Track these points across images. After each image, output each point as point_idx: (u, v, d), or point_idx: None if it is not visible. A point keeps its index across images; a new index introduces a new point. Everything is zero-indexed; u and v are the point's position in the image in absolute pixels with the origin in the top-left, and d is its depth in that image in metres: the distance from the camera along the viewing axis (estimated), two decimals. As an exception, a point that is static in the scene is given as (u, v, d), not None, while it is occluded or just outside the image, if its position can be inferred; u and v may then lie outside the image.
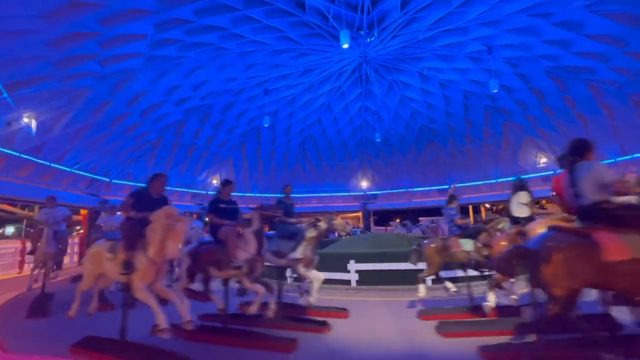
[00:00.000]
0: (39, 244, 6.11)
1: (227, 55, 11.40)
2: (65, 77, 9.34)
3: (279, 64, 12.62)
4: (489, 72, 11.92)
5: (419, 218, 20.61)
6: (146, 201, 3.63)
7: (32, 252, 6.44)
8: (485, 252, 4.74)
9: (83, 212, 15.53)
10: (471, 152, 18.07)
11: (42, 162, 11.51)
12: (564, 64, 11.11)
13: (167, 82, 11.81)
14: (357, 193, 21.42)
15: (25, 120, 9.60)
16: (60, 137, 11.36)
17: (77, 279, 4.27)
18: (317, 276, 4.66)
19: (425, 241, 5.61)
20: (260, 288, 3.97)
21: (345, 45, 9.59)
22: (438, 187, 20.12)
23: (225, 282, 4.23)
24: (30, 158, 11.05)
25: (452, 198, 5.54)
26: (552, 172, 15.92)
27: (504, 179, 17.69)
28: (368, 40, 11.17)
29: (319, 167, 20.73)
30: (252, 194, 20.66)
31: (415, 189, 20.62)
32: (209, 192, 19.17)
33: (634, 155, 12.81)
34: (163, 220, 3.20)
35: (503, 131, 16.19)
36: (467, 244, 4.95)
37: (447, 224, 5.39)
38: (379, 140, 17.14)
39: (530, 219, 4.28)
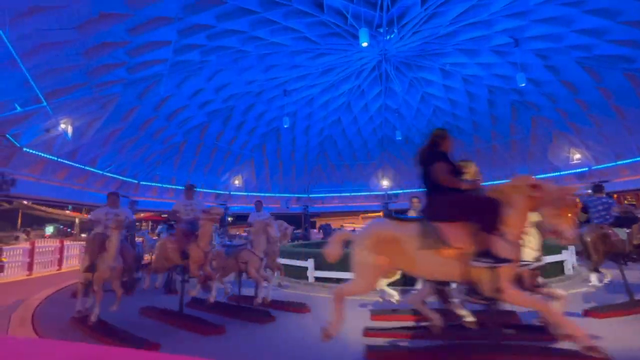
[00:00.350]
0: (100, 254, 4.51)
1: (247, 58, 11.61)
2: (96, 85, 9.85)
3: (298, 65, 12.70)
4: (516, 65, 11.43)
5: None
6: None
7: (90, 269, 4.52)
8: (636, 241, 4.65)
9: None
10: (497, 148, 17.39)
11: (77, 165, 12.20)
12: (598, 53, 10.45)
13: (190, 86, 12.18)
14: (378, 192, 21.18)
15: (62, 126, 10.22)
16: (92, 142, 12.00)
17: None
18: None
19: (582, 229, 5.34)
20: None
21: (365, 44, 9.49)
22: (462, 186, 19.51)
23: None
24: (66, 162, 11.74)
25: (600, 187, 5.50)
26: (587, 168, 15.04)
27: (534, 176, 16.90)
28: (388, 37, 11.01)
29: (339, 166, 20.67)
30: (273, 194, 20.93)
31: (438, 188, 20.12)
32: (231, 193, 19.60)
33: (680, 150, 11.85)
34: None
35: (532, 126, 15.47)
36: (622, 233, 4.85)
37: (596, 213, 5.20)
38: (400, 138, 16.86)
39: None
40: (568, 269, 7.57)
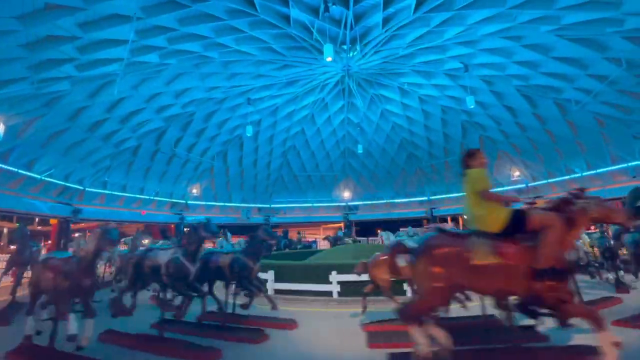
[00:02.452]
0: None
1: (210, 64, 11.38)
2: (38, 81, 9.02)
3: (263, 74, 12.70)
4: (466, 88, 12.49)
5: (400, 229, 20.86)
6: None
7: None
8: None
9: (52, 221, 14.78)
10: (449, 165, 18.65)
11: (9, 168, 10.94)
12: (534, 83, 11.81)
13: (148, 89, 11.61)
14: (340, 204, 21.53)
15: (-7, 123, 9.15)
16: (30, 142, 10.87)
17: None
18: None
19: None
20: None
21: (329, 59, 9.80)
22: (418, 199, 20.56)
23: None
24: (-4, 163, 10.49)
25: None
26: (524, 185, 16.66)
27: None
28: (351, 54, 11.47)
29: (302, 177, 20.75)
30: (234, 204, 20.35)
31: (396, 200, 20.98)
32: (188, 202, 18.73)
33: (598, 170, 13.64)
34: None
35: (480, 145, 16.86)
36: None
37: None
38: (361, 152, 17.42)
39: None
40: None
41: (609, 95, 11.02)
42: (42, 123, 10.56)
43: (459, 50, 11.08)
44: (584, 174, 14.11)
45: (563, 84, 11.34)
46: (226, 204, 20.11)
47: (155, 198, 17.18)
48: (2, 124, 9.32)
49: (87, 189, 14.36)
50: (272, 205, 21.40)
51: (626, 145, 12.39)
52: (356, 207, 21.56)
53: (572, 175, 14.58)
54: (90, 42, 8.67)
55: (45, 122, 10.61)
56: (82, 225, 22.62)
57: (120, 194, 15.72)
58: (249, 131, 14.41)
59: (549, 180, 15.61)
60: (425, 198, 20.37)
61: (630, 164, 12.55)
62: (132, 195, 16.22)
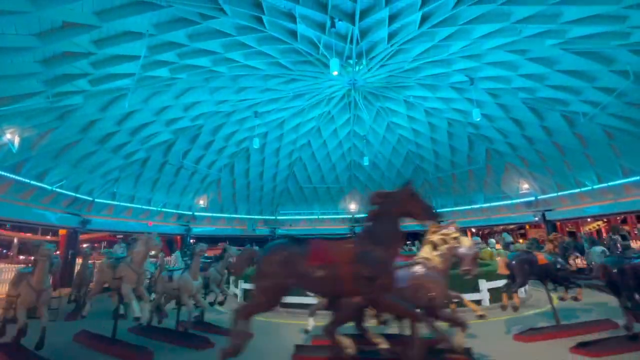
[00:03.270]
0: None
1: (218, 78, 11.63)
2: (53, 95, 9.30)
3: (270, 88, 12.92)
4: (471, 101, 12.52)
5: (406, 242, 20.60)
6: None
7: None
8: None
9: (62, 232, 14.94)
10: (456, 177, 18.52)
11: (21, 179, 11.18)
12: (540, 95, 11.78)
13: (158, 102, 11.88)
14: (346, 216, 21.42)
15: (8, 136, 9.42)
16: (42, 154, 11.13)
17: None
18: None
19: None
20: None
21: (335, 73, 9.94)
22: (425, 211, 20.31)
23: None
24: (7, 175, 10.72)
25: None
26: (534, 197, 16.41)
27: (489, 204, 18.10)
28: (357, 68, 11.64)
29: (308, 189, 20.77)
30: (240, 215, 20.39)
31: (402, 213, 20.75)
32: (195, 214, 18.83)
33: (609, 184, 13.38)
34: None
35: (486, 158, 16.75)
36: None
37: None
38: (367, 164, 17.43)
39: None
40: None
41: (617, 108, 10.93)
42: (55, 135, 10.83)
43: (464, 63, 11.16)
44: (595, 187, 13.86)
45: (570, 96, 11.30)
46: (232, 215, 20.17)
47: (162, 209, 17.32)
48: (17, 136, 9.60)
49: (96, 199, 14.56)
50: (278, 217, 21.38)
51: (638, 158, 12.19)
52: (362, 219, 21.40)
53: (583, 189, 14.32)
54: (104, 58, 8.97)
55: (58, 135, 10.88)
56: (88, 236, 22.74)
57: (129, 205, 15.89)
58: (256, 143, 14.57)
59: (559, 194, 15.35)
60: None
61: (642, 177, 12.32)
62: (140, 206, 16.38)
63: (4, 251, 28.63)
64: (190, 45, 9.36)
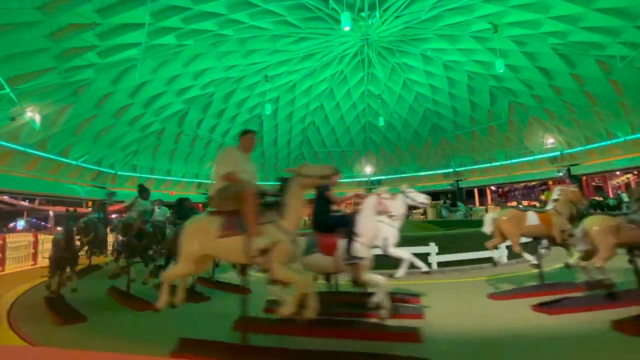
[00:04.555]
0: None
1: (226, 42, 11.23)
2: (65, 70, 9.30)
3: (279, 50, 12.42)
4: (495, 51, 11.62)
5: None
6: None
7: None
8: None
9: (90, 204, 15.74)
10: (476, 134, 17.83)
11: (48, 155, 11.61)
12: (573, 40, 10.76)
13: (167, 72, 11.71)
14: (362, 179, 21.40)
15: (29, 114, 9.64)
16: (64, 131, 11.42)
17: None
18: None
19: None
20: None
21: (347, 28, 9.37)
22: (443, 171, 20.01)
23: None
24: (35, 152, 11.14)
25: None
26: (559, 152, 15.70)
27: (510, 161, 17.52)
28: (370, 22, 10.90)
29: (323, 153, 20.67)
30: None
31: (420, 174, 20.53)
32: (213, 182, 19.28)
33: (644, 133, 12.54)
34: None
35: (509, 112, 15.90)
36: None
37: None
38: (383, 124, 16.97)
39: None
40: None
41: (661, 49, 9.90)
42: (72, 111, 11.00)
43: (488, 9, 10.22)
44: (628, 137, 13.02)
45: (607, 38, 10.25)
46: (250, 182, 20.54)
47: (182, 179, 17.80)
48: (37, 114, 9.82)
49: (118, 172, 15.08)
50: (295, 183, 21.61)
51: (678, 104, 11.25)
52: (379, 182, 21.35)
53: (614, 140, 13.51)
54: (110, 28, 8.76)
55: (75, 110, 11.04)
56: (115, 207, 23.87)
57: (150, 176, 16.40)
58: (268, 109, 14.35)
59: (587, 147, 14.59)
60: (450, 170, 19.79)
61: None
62: (161, 177, 16.87)
63: (42, 223, 30.80)
64: (194, 7, 8.95)
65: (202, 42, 10.74)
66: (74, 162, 12.71)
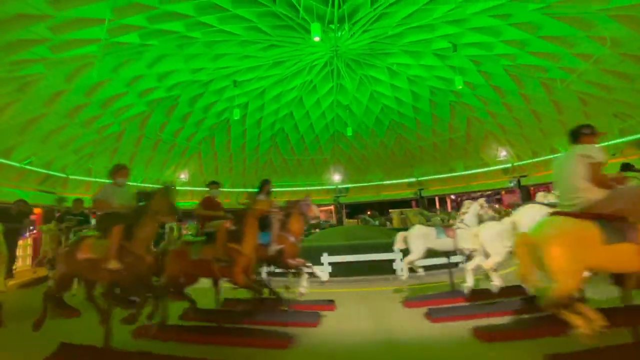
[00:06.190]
0: None
1: (193, 45, 10.96)
2: (10, 63, 8.54)
3: (249, 55, 12.34)
4: (454, 69, 12.45)
5: (389, 210, 21.22)
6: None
7: None
8: None
9: (37, 210, 14.39)
10: (437, 146, 18.82)
11: (-15, 156, 10.50)
12: (521, 62, 11.84)
13: (129, 72, 11.15)
14: (330, 187, 21.61)
15: (-36, 110, 8.69)
16: (7, 129, 10.40)
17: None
18: None
19: None
20: None
21: (317, 38, 9.56)
22: (407, 180, 20.82)
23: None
24: (-29, 152, 10.03)
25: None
26: (510, 164, 17.02)
27: (469, 172, 18.68)
28: (339, 34, 11.21)
29: (291, 161, 20.64)
30: (223, 189, 20.17)
31: (385, 182, 21.20)
32: (177, 188, 18.45)
33: (581, 149, 13.95)
34: None
35: (467, 126, 17.01)
36: None
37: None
38: (351, 134, 17.36)
39: None
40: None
41: (593, 74, 11.18)
42: (18, 108, 10.07)
43: (448, 29, 10.95)
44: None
45: (549, 63, 11.42)
46: (215, 189, 19.92)
47: (142, 185, 16.85)
48: (-26, 110, 8.88)
49: (70, 176, 13.96)
50: (262, 190, 21.30)
51: (606, 123, 12.69)
52: (347, 190, 21.70)
53: (556, 155, 14.93)
54: (64, 22, 8.20)
55: (21, 108, 10.12)
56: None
57: (106, 181, 15.32)
58: (236, 114, 14.13)
59: (534, 160, 15.98)
60: (413, 179, 20.64)
61: (610, 142, 12.90)
62: (118, 182, 15.84)
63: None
64: (160, 7, 8.68)
65: (167, 43, 10.39)
66: (18, 164, 11.59)
